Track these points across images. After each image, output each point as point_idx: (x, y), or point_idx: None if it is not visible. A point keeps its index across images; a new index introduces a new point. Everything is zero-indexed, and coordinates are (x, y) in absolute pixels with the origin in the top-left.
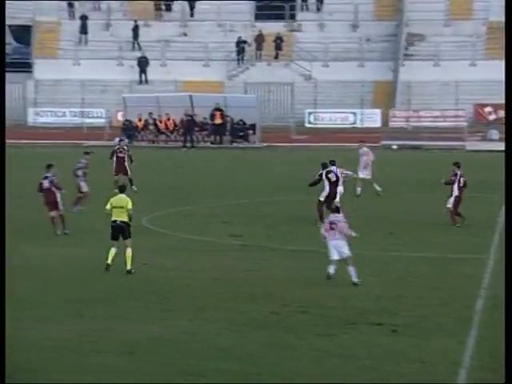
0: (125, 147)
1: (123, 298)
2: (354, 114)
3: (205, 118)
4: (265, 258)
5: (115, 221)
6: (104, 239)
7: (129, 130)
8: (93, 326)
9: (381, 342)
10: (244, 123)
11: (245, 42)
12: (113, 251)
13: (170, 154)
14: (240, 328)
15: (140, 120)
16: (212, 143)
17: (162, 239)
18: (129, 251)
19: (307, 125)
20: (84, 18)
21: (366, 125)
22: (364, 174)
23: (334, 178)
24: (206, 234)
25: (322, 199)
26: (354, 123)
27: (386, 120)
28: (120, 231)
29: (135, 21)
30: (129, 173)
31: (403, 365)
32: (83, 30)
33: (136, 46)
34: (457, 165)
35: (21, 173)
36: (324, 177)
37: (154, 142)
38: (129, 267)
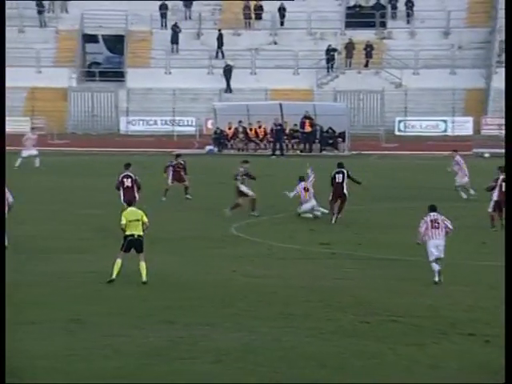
0: (181, 163)
1: (213, 306)
2: (445, 121)
3: (295, 125)
4: (354, 267)
5: (132, 235)
6: (192, 247)
7: (219, 138)
8: (183, 333)
9: (473, 353)
10: (333, 131)
11: (335, 49)
12: (119, 263)
13: (259, 161)
14: (329, 336)
15: (230, 128)
16: (301, 151)
17: (251, 247)
18: (143, 264)
19: (397, 133)
20: (175, 28)
21: (458, 133)
22: (460, 182)
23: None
24: (295, 241)
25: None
26: (445, 131)
27: (477, 128)
28: (135, 245)
29: (219, 30)
30: (186, 181)
31: (496, 377)
32: (174, 39)
33: (220, 54)
34: (500, 169)
35: (112, 179)
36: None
37: (243, 150)
38: (144, 279)
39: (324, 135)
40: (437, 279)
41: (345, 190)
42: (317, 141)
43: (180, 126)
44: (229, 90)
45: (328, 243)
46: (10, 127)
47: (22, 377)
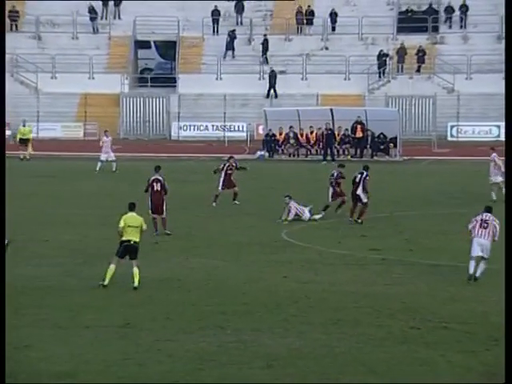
0: (234, 164)
1: (263, 311)
2: (498, 127)
3: (346, 130)
4: (404, 273)
5: (129, 240)
6: (242, 252)
7: (270, 142)
8: (233, 338)
9: None
10: (385, 136)
11: (386, 55)
12: (112, 268)
13: (310, 167)
14: (379, 342)
15: (281, 134)
16: (352, 156)
17: (301, 252)
18: (136, 270)
19: (449, 138)
20: (232, 34)
21: None
22: (494, 179)
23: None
24: (345, 247)
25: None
26: (498, 136)
27: None
28: (130, 251)
29: (265, 35)
30: (236, 187)
31: None
32: (230, 45)
33: (263, 59)
34: None
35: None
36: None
37: (294, 156)
38: (136, 284)
39: (375, 140)
40: (469, 274)
41: (358, 192)
42: (368, 146)
43: (231, 131)
44: (274, 95)
45: (378, 249)
46: (62, 133)
47: (75, 380)
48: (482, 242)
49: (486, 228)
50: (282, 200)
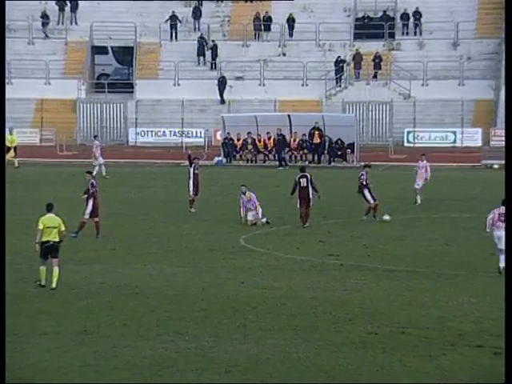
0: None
1: (222, 317)
2: (454, 133)
3: (304, 135)
4: (362, 278)
5: (48, 241)
6: (201, 258)
7: (228, 145)
8: (191, 344)
9: (482, 365)
10: (342, 142)
11: (344, 61)
12: (43, 270)
13: (267, 172)
14: (338, 348)
15: (239, 139)
16: (310, 162)
17: (259, 258)
18: (56, 269)
19: (406, 144)
20: (201, 40)
21: (467, 144)
22: (417, 185)
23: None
24: (304, 253)
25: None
26: (454, 142)
27: (487, 139)
28: (51, 250)
29: (213, 41)
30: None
31: None
32: (201, 51)
33: (213, 65)
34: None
35: (121, 190)
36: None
37: (252, 162)
38: (54, 285)
39: (333, 146)
40: (500, 267)
41: (310, 195)
42: (326, 152)
43: (189, 137)
44: (222, 101)
45: (336, 254)
46: (18, 139)
47: None
48: (499, 234)
49: (503, 221)
50: (236, 206)
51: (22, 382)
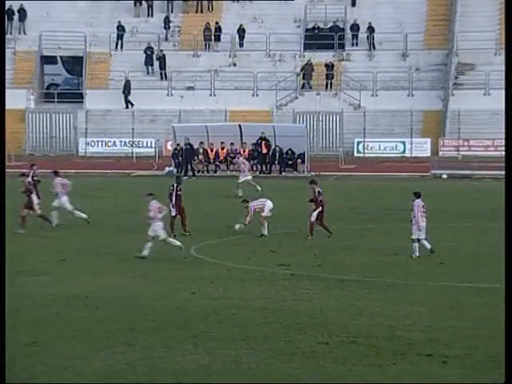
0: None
1: (172, 328)
2: (404, 143)
3: (253, 145)
4: (313, 288)
5: None
6: (151, 269)
7: (178, 156)
8: (141, 355)
9: (431, 374)
10: (293, 152)
11: (294, 72)
12: None
13: (219, 183)
14: (288, 358)
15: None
16: (260, 172)
17: (210, 268)
18: None
19: (356, 154)
20: (148, 50)
21: (416, 154)
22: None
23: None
24: (254, 263)
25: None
26: (404, 152)
27: (435, 149)
28: None
29: (161, 50)
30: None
31: None
32: (148, 61)
33: (163, 75)
34: (415, 195)
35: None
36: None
37: (203, 172)
38: None
39: (283, 156)
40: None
41: (182, 203)
42: (276, 162)
43: (139, 147)
44: (126, 106)
45: (287, 264)
46: None
47: None
48: (423, 224)
49: (425, 212)
50: (200, 215)
51: None
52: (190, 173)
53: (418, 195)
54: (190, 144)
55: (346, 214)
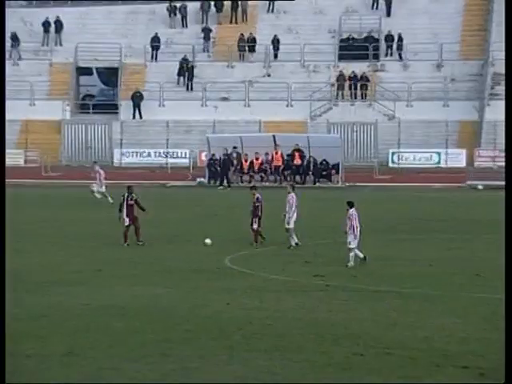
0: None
1: (207, 339)
2: (439, 153)
3: (288, 156)
4: (348, 299)
5: None
6: (186, 280)
7: (213, 165)
8: (176, 365)
9: None
10: (327, 163)
11: (329, 82)
12: None
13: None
14: (323, 369)
15: (246, 160)
16: (297, 183)
17: (245, 279)
18: None
19: (391, 164)
20: (184, 61)
21: (451, 165)
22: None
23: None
24: (289, 273)
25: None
26: (439, 163)
27: (471, 160)
28: None
29: (191, 61)
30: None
31: None
32: (182, 72)
33: (190, 86)
34: (349, 204)
35: (106, 211)
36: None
37: (237, 183)
38: None
39: (317, 167)
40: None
41: (136, 213)
42: (310, 173)
43: (174, 157)
44: (138, 117)
45: (322, 275)
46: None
47: None
48: (358, 234)
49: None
50: (222, 227)
51: None
52: (225, 183)
53: (351, 205)
54: (227, 154)
55: (381, 224)
